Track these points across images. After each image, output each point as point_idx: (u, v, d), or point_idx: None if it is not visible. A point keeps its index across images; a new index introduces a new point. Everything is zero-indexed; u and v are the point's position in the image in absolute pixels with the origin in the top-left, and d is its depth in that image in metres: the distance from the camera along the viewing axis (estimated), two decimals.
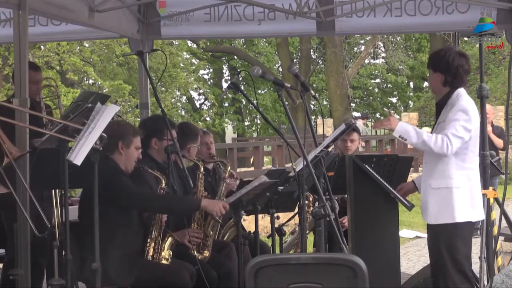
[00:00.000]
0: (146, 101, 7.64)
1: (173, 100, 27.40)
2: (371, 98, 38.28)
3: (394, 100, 40.24)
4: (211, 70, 35.98)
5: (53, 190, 5.72)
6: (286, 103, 4.98)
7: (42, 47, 19.70)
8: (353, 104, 35.58)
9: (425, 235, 5.26)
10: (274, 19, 7.37)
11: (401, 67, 32.38)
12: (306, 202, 5.87)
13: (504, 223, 6.10)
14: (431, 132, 5.02)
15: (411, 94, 39.22)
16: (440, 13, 7.16)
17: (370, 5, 7.19)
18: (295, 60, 32.30)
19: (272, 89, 32.33)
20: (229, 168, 5.98)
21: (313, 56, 32.14)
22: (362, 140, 17.69)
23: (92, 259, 4.41)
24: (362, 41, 31.78)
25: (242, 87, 12.07)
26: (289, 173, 5.36)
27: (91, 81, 25.46)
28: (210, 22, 7.41)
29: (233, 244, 5.71)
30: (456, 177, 4.90)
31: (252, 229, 5.64)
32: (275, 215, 5.70)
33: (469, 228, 5.00)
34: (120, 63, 25.54)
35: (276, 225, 5.76)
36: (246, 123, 37.37)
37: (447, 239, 4.89)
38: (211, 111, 31.05)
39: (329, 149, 5.17)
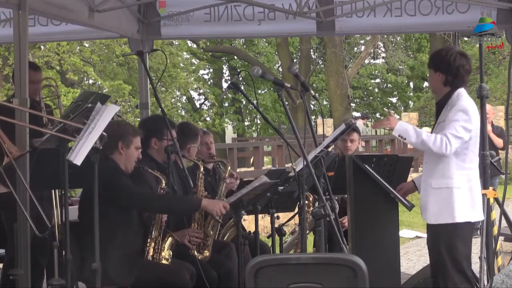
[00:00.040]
0: (146, 101, 7.64)
1: (173, 100, 27.40)
2: (371, 98, 38.28)
3: (394, 100, 40.24)
4: (211, 70, 35.98)
5: (53, 190, 5.72)
6: (286, 103, 4.98)
7: (42, 47, 19.70)
8: (353, 104, 35.58)
9: (425, 235, 5.25)
10: (274, 19, 7.37)
11: (401, 67, 32.38)
12: (306, 202, 5.87)
13: (504, 223, 6.10)
14: (431, 132, 5.02)
15: (411, 94, 39.23)
16: (440, 13, 7.16)
17: (370, 5, 7.19)
18: (295, 60, 32.30)
19: (272, 89, 32.33)
20: (229, 168, 5.98)
21: (313, 56, 32.14)
22: (362, 140, 17.69)
23: (92, 259, 4.41)
24: (362, 41, 31.78)
25: (242, 87, 12.06)
26: (289, 173, 5.36)
27: (91, 81, 25.46)
28: (210, 22, 7.41)
29: (233, 244, 5.71)
30: (456, 177, 4.90)
31: (252, 229, 5.64)
32: (275, 215, 5.70)
33: (469, 228, 5.00)
34: (120, 63, 25.54)
35: (276, 225, 5.76)
36: (246, 123, 37.37)
37: (447, 239, 4.89)
38: (211, 111, 31.05)
39: (329, 149, 5.16)
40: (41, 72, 6.33)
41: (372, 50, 28.98)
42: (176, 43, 25.49)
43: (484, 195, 5.37)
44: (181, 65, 26.78)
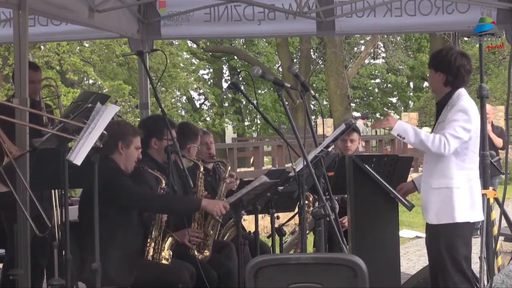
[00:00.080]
0: (146, 101, 7.64)
1: (173, 100, 27.40)
2: (371, 98, 38.28)
3: (394, 100, 40.25)
4: (211, 70, 35.99)
5: (52, 190, 5.71)
6: (286, 103, 4.98)
7: (42, 47, 19.69)
8: (353, 104, 35.59)
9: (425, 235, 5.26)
10: (274, 19, 7.37)
11: (401, 67, 32.39)
12: (306, 202, 5.87)
13: (504, 223, 6.09)
14: (431, 132, 5.02)
15: (411, 94, 39.23)
16: (440, 13, 7.16)
17: (370, 5, 7.19)
18: (295, 60, 32.30)
19: (272, 89, 32.34)
20: (229, 168, 5.98)
21: (313, 56, 32.15)
22: (362, 140, 17.69)
23: (92, 259, 4.41)
24: (362, 41, 31.79)
25: (242, 87, 12.06)
26: (289, 173, 5.36)
27: (91, 81, 25.46)
28: (210, 22, 7.41)
29: (233, 244, 5.71)
30: (456, 177, 4.90)
31: (252, 229, 5.64)
32: (275, 215, 5.70)
33: (469, 228, 5.00)
34: (120, 63, 25.54)
35: (276, 225, 5.76)
36: (246, 123, 37.37)
37: (447, 239, 4.89)
38: (211, 111, 31.05)
39: (329, 149, 5.16)
40: (41, 72, 6.33)
41: (372, 50, 28.99)
42: (176, 43, 25.49)
43: (484, 195, 5.37)
44: (181, 65, 26.78)
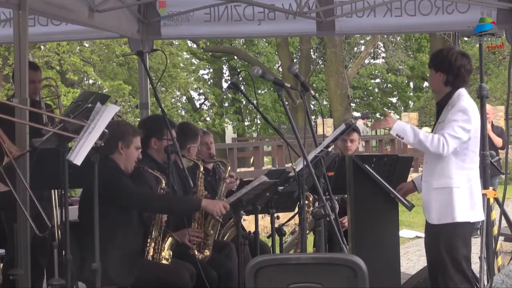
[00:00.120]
0: (146, 101, 7.64)
1: (173, 100, 27.40)
2: (371, 98, 38.28)
3: (394, 100, 40.25)
4: (211, 70, 35.99)
5: (52, 190, 5.71)
6: (286, 103, 4.98)
7: (42, 47, 19.69)
8: (353, 104, 35.58)
9: None
10: (274, 19, 7.37)
11: (401, 67, 32.38)
12: (306, 202, 5.87)
13: (504, 223, 6.09)
14: (431, 132, 5.02)
15: (411, 94, 39.23)
16: (440, 13, 7.16)
17: (370, 5, 7.19)
18: (295, 60, 32.30)
19: (272, 89, 32.34)
20: (229, 168, 5.98)
21: (313, 56, 32.15)
22: (362, 140, 17.70)
23: (92, 259, 4.41)
24: (362, 41, 31.79)
25: (242, 87, 12.06)
26: (289, 173, 5.36)
27: (91, 81, 25.46)
28: (210, 22, 7.41)
29: (233, 244, 5.71)
30: (456, 177, 4.90)
31: (252, 229, 5.64)
32: (275, 215, 5.70)
33: (469, 228, 5.00)
34: (120, 63, 25.54)
35: (276, 225, 5.76)
36: (246, 123, 37.37)
37: (447, 239, 4.89)
38: (211, 111, 31.05)
39: (329, 149, 5.16)
40: (41, 72, 6.33)
41: (372, 50, 28.99)
42: (176, 43, 25.49)
43: (484, 195, 5.36)
44: (181, 65, 26.78)
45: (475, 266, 5.45)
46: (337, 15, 7.27)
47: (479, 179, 5.08)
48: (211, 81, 35.93)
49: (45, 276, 6.03)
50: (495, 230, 5.92)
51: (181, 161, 5.61)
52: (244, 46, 34.48)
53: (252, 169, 18.36)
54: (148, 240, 5.12)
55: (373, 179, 5.45)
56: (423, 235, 5.50)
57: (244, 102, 34.24)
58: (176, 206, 5.24)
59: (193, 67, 30.71)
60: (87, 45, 22.20)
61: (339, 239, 4.48)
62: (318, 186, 4.54)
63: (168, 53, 22.67)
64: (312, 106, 29.71)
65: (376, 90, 38.70)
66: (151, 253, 5.11)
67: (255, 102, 16.34)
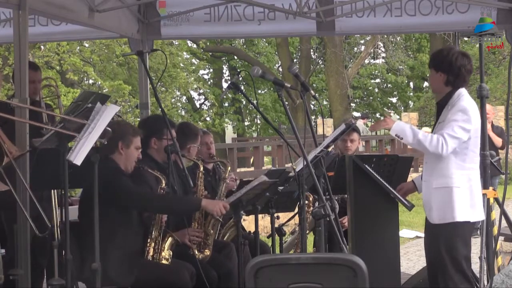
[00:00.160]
0: (146, 101, 7.64)
1: (173, 100, 27.39)
2: (371, 98, 38.27)
3: (394, 100, 40.25)
4: (211, 70, 35.99)
5: (52, 190, 5.71)
6: (286, 103, 4.98)
7: (42, 47, 19.69)
8: (353, 104, 35.58)
9: None
10: (274, 19, 7.37)
11: (401, 67, 32.38)
12: (306, 202, 5.87)
13: (504, 223, 6.09)
14: (431, 132, 5.01)
15: (411, 94, 39.23)
16: (440, 13, 7.16)
17: (370, 5, 7.19)
18: (295, 60, 32.30)
19: (272, 89, 32.34)
20: (229, 168, 5.98)
21: (313, 56, 32.14)
22: (362, 140, 17.70)
23: (92, 259, 4.41)
24: (362, 41, 31.79)
25: (242, 87, 12.06)
26: (289, 173, 5.36)
27: (91, 81, 25.45)
28: (210, 22, 7.41)
29: (233, 244, 5.71)
30: (456, 176, 4.90)
31: (252, 229, 5.64)
32: (275, 215, 5.70)
33: (469, 228, 5.00)
34: (120, 63, 25.53)
35: (276, 225, 5.76)
36: (246, 123, 37.37)
37: (446, 239, 4.89)
38: (211, 111, 31.05)
39: (329, 149, 5.16)
40: (40, 72, 6.33)
41: (372, 50, 28.98)
42: (176, 43, 25.49)
43: (484, 195, 5.36)
44: (181, 65, 26.78)
45: (475, 266, 5.45)
46: (337, 15, 7.27)
47: (479, 179, 5.08)
48: (211, 81, 35.93)
49: (45, 276, 6.03)
50: (495, 230, 5.92)
51: (181, 161, 5.61)
52: (244, 46, 34.48)
53: (252, 169, 18.36)
54: (148, 240, 5.12)
55: (373, 179, 5.45)
56: (423, 235, 5.50)
57: (244, 102, 34.25)
58: (176, 206, 5.24)
59: (193, 67, 30.71)
60: (87, 45, 22.20)
61: (339, 239, 4.48)
62: (318, 186, 4.54)
63: (168, 53, 22.67)
64: (312, 106, 29.71)
65: (376, 90, 38.70)
66: (151, 253, 5.11)
67: (255, 102, 16.35)
